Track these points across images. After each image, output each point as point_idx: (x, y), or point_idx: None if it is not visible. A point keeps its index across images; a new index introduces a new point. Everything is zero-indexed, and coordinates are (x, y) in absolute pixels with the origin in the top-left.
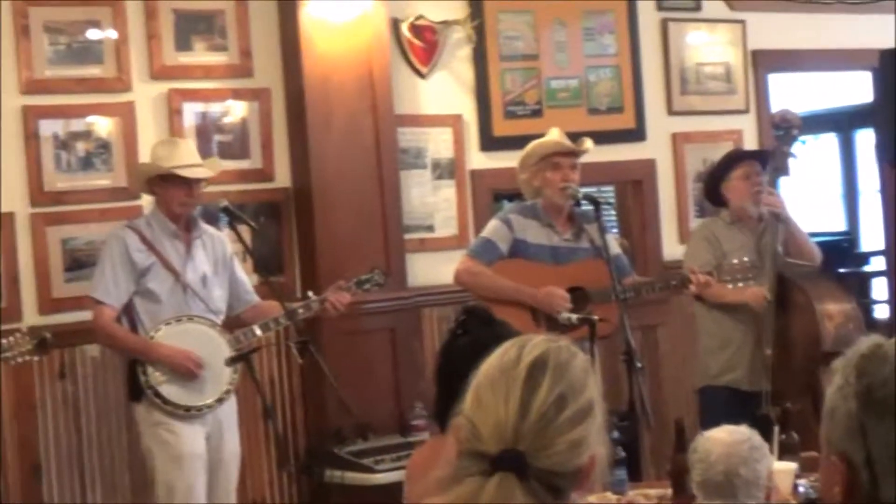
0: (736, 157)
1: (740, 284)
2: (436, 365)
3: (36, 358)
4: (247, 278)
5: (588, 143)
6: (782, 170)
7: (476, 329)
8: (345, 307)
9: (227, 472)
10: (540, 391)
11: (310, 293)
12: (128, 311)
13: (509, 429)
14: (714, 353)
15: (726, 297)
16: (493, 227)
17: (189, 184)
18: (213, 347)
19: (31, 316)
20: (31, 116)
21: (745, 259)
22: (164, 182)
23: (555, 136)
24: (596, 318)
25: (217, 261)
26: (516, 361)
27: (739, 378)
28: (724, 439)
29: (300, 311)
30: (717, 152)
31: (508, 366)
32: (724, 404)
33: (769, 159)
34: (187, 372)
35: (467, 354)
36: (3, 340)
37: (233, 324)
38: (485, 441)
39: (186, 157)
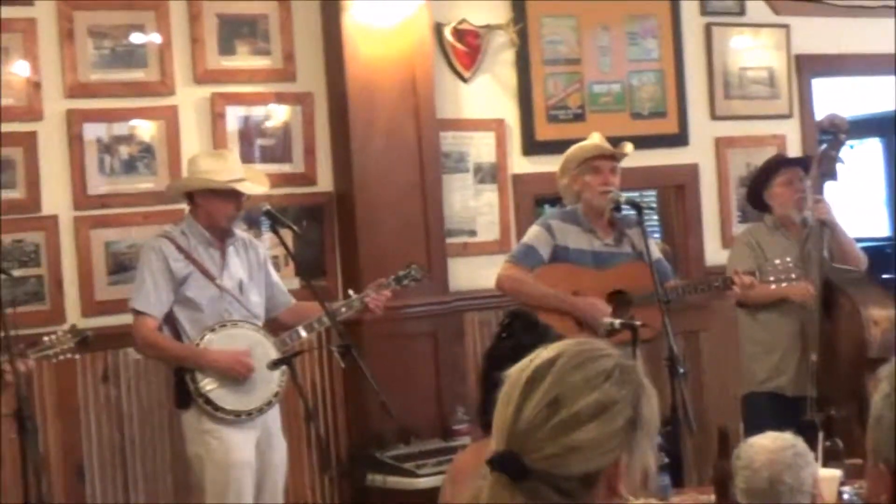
0: (778, 164)
1: (783, 285)
2: (480, 368)
3: (77, 356)
4: (281, 281)
5: (628, 147)
6: (829, 175)
7: (520, 333)
8: (386, 304)
9: (275, 478)
10: (535, 395)
11: (350, 291)
12: (169, 320)
13: (505, 431)
14: (758, 360)
15: (770, 294)
16: (533, 232)
17: (238, 198)
18: (260, 350)
19: (74, 318)
20: (75, 120)
21: (788, 259)
22: (213, 196)
23: (594, 140)
24: (638, 323)
25: (252, 266)
26: (527, 365)
27: (784, 384)
28: (768, 446)
29: (342, 309)
30: (761, 157)
31: (520, 369)
32: (768, 411)
33: (813, 165)
34: (238, 375)
35: (510, 358)
36: (45, 338)
37: (272, 327)
38: (495, 441)
39: (237, 171)
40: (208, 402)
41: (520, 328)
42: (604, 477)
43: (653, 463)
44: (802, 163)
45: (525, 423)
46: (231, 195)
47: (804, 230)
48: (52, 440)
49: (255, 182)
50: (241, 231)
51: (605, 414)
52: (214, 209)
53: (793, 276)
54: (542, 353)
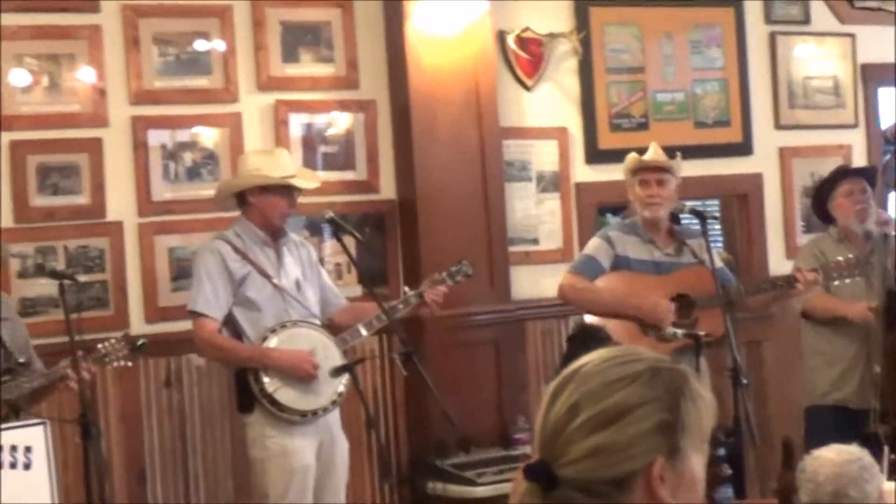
0: (841, 174)
1: (847, 281)
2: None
3: (129, 363)
4: (331, 282)
5: (656, 152)
6: (893, 185)
7: (584, 346)
8: (448, 312)
9: (337, 479)
10: (558, 402)
11: (405, 289)
12: (229, 322)
13: (537, 441)
14: (821, 372)
15: (829, 309)
16: (594, 244)
17: (291, 194)
18: (322, 350)
19: (137, 324)
20: (139, 127)
21: (850, 255)
22: (266, 192)
23: (650, 151)
24: (701, 333)
25: (305, 265)
26: (559, 375)
27: (847, 396)
28: (833, 459)
29: (399, 307)
30: (826, 167)
31: (553, 381)
32: (831, 424)
33: (878, 176)
34: (304, 374)
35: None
36: (99, 346)
37: (328, 329)
38: (533, 453)
39: (288, 167)
40: (273, 402)
41: (587, 341)
42: (640, 481)
43: (699, 469)
44: (866, 173)
45: (549, 430)
46: (284, 191)
47: (867, 242)
48: (115, 444)
49: (305, 178)
50: (292, 233)
51: (628, 416)
52: (268, 206)
53: (855, 272)
54: (573, 365)
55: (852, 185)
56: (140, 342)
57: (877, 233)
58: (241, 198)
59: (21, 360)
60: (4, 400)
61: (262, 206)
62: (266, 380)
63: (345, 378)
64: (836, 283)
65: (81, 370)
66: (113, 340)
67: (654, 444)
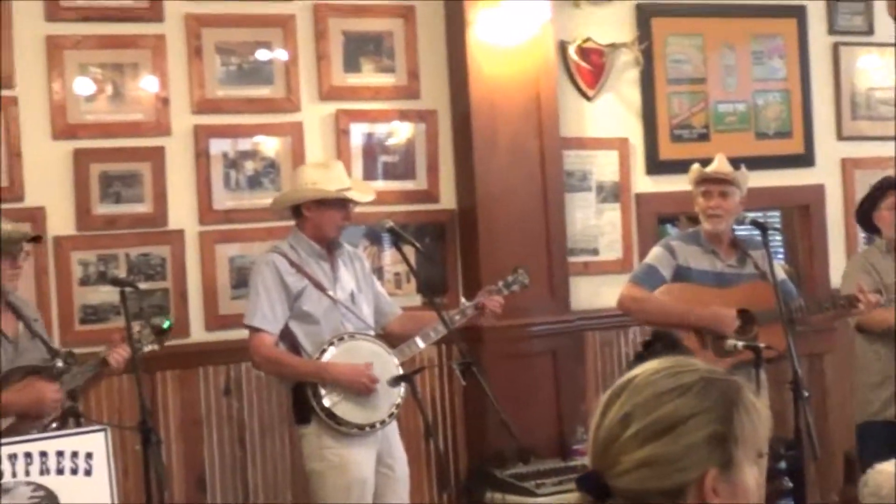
0: (885, 186)
1: None
2: None
3: (156, 347)
4: (385, 291)
5: (721, 163)
6: None
7: (659, 355)
8: (507, 322)
9: (399, 491)
10: (610, 412)
11: (462, 299)
12: (286, 335)
13: (589, 451)
14: (874, 389)
15: (887, 319)
16: (655, 253)
17: (346, 207)
18: (379, 363)
19: (197, 332)
20: (201, 135)
21: None
22: (321, 206)
23: (714, 163)
24: (762, 345)
25: (359, 277)
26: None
27: None
28: None
29: (456, 317)
30: None
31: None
32: (885, 440)
33: None
34: (363, 388)
35: None
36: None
37: (383, 338)
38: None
39: (343, 180)
40: (332, 416)
41: (661, 349)
42: (692, 492)
43: (753, 481)
44: None
45: (601, 441)
46: (339, 204)
47: None
48: (174, 452)
49: (361, 191)
50: (345, 244)
51: (680, 427)
52: (323, 219)
53: None
54: (626, 375)
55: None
56: (165, 325)
57: None
58: (297, 210)
59: (68, 351)
60: (69, 390)
61: (318, 220)
62: (324, 394)
63: (402, 390)
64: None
65: (113, 354)
66: (138, 328)
67: (706, 456)
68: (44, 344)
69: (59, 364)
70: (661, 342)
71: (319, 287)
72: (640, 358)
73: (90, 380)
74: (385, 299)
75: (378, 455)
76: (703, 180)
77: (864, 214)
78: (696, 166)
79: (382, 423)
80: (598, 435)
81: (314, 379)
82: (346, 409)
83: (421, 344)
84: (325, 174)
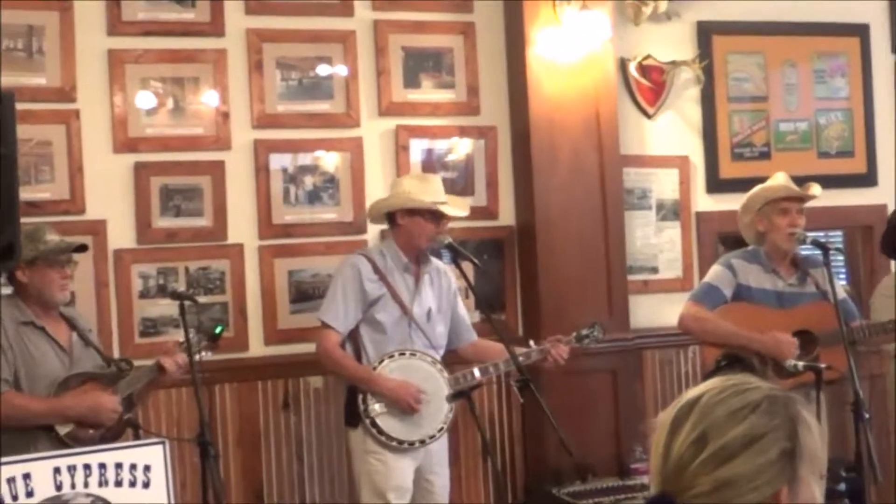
0: None
1: None
2: None
3: (210, 353)
4: (468, 315)
5: (816, 188)
6: None
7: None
8: (564, 360)
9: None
10: (680, 434)
11: (531, 342)
12: (353, 337)
13: (657, 476)
14: None
15: None
16: (715, 272)
17: (439, 220)
18: (432, 384)
19: (256, 346)
20: (261, 150)
21: None
22: (416, 216)
23: (780, 180)
24: (823, 366)
25: (442, 296)
26: (674, 405)
27: None
28: None
29: (520, 359)
30: None
31: (668, 410)
32: None
33: None
34: (407, 407)
35: None
36: (181, 341)
37: (449, 359)
38: (651, 486)
39: (440, 194)
40: (374, 424)
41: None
42: None
43: (819, 495)
44: None
45: (674, 463)
46: (433, 216)
47: None
48: (232, 466)
49: (456, 206)
50: (437, 260)
51: (755, 445)
52: (416, 229)
53: None
54: (687, 395)
55: None
56: (217, 329)
57: None
58: (391, 218)
59: (124, 358)
60: (126, 396)
61: (410, 228)
62: (372, 403)
63: (449, 415)
64: None
65: (175, 359)
66: (192, 336)
67: (778, 473)
68: (97, 352)
69: (114, 370)
70: (736, 365)
71: (396, 299)
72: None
73: (146, 386)
74: (465, 324)
75: (418, 469)
76: (783, 198)
77: (890, 241)
78: (781, 182)
79: (423, 442)
80: (667, 456)
81: (364, 386)
82: (389, 423)
83: (477, 374)
84: (421, 185)
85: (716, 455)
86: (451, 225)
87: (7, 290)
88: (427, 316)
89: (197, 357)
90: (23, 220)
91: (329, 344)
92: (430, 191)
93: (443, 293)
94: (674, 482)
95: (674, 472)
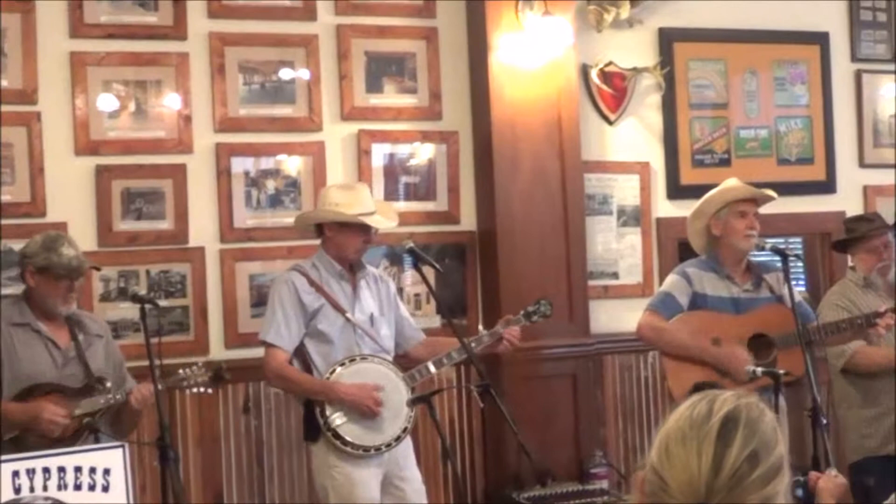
0: (877, 227)
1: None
2: None
3: (210, 390)
4: (410, 316)
5: (771, 191)
6: None
7: None
8: (525, 345)
9: None
10: (733, 447)
11: (481, 328)
12: (299, 353)
13: (702, 484)
14: (871, 425)
15: (889, 359)
16: (671, 281)
17: (367, 231)
18: (389, 386)
19: (217, 349)
20: (223, 154)
21: None
22: (342, 228)
23: (735, 184)
24: (781, 371)
25: (382, 300)
26: (707, 416)
27: None
28: None
29: (472, 345)
30: None
31: (699, 420)
32: (891, 474)
33: None
34: (367, 410)
35: None
36: (181, 371)
37: (403, 363)
38: (674, 495)
39: (367, 204)
40: (336, 436)
41: None
42: None
43: None
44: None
45: (728, 477)
46: (360, 228)
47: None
48: (192, 469)
49: (384, 216)
50: (371, 266)
51: (785, 466)
52: (343, 242)
53: None
54: (710, 404)
55: (879, 242)
56: (224, 374)
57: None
58: (321, 229)
59: (100, 377)
60: (77, 415)
61: (338, 241)
62: (330, 413)
63: (410, 415)
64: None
65: (142, 390)
66: (196, 367)
67: (788, 496)
68: (84, 366)
69: (86, 386)
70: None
71: (337, 307)
72: None
73: (118, 415)
74: (408, 324)
75: (385, 476)
76: (743, 200)
77: (842, 246)
78: (738, 183)
79: (388, 446)
80: (719, 470)
81: (321, 397)
82: (351, 431)
83: (433, 369)
84: (348, 196)
85: (767, 472)
86: (413, 229)
87: (14, 290)
88: (370, 321)
89: (195, 390)
90: None
91: (276, 363)
92: (357, 202)
93: (382, 297)
94: (724, 497)
95: (727, 486)
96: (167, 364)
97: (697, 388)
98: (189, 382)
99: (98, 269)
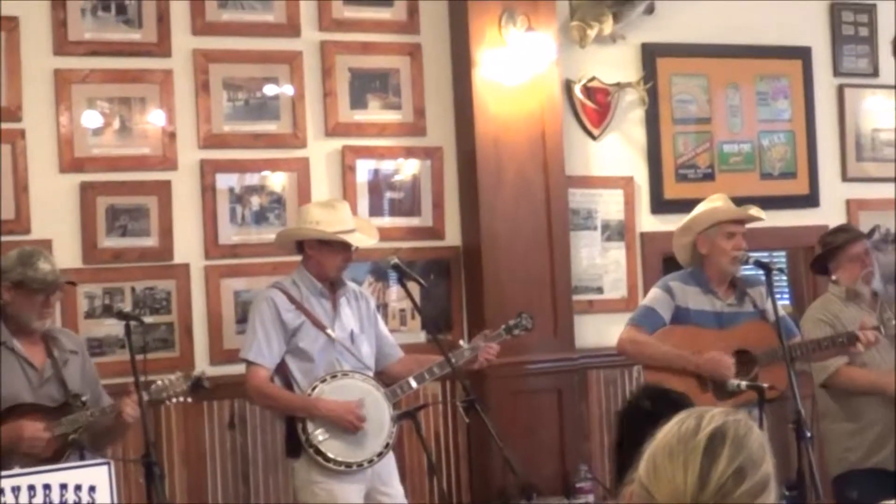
0: (851, 237)
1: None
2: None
3: (189, 399)
4: (390, 334)
5: (757, 210)
6: None
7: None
8: (496, 356)
9: None
10: (719, 462)
11: (462, 342)
12: (281, 370)
13: (687, 498)
14: (854, 438)
15: (873, 383)
16: (654, 295)
17: (347, 249)
18: (371, 401)
19: (202, 365)
20: (208, 170)
21: None
22: (322, 246)
23: (721, 201)
24: (765, 385)
25: (363, 317)
26: (695, 431)
27: (886, 459)
28: None
29: (452, 360)
30: (893, 220)
31: (687, 435)
32: (873, 487)
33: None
34: (349, 426)
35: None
36: (158, 381)
37: (382, 380)
38: None
39: (347, 222)
40: (318, 452)
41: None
42: None
43: None
44: (870, 235)
45: (714, 492)
46: (339, 246)
47: (876, 300)
48: (178, 485)
49: (364, 233)
50: (351, 283)
51: (771, 483)
52: (323, 259)
53: None
54: (698, 420)
55: (859, 249)
56: (204, 383)
57: (881, 290)
58: (301, 247)
59: (76, 394)
60: (58, 434)
61: (319, 259)
62: (312, 430)
63: (393, 431)
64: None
65: (130, 404)
66: (174, 377)
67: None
68: (61, 384)
69: (64, 404)
70: (670, 401)
71: (317, 325)
72: (649, 415)
73: (106, 431)
74: (388, 341)
75: (368, 492)
76: (733, 220)
77: (821, 261)
78: (723, 205)
79: (370, 462)
80: (704, 485)
81: (303, 413)
82: (333, 447)
83: (414, 384)
84: (329, 214)
85: (753, 488)
86: (397, 245)
87: None
88: (350, 337)
89: (174, 401)
90: None
91: (258, 380)
92: (337, 220)
93: (363, 314)
94: None
95: (713, 501)
96: (152, 381)
97: (648, 396)
98: (169, 393)
99: (74, 285)
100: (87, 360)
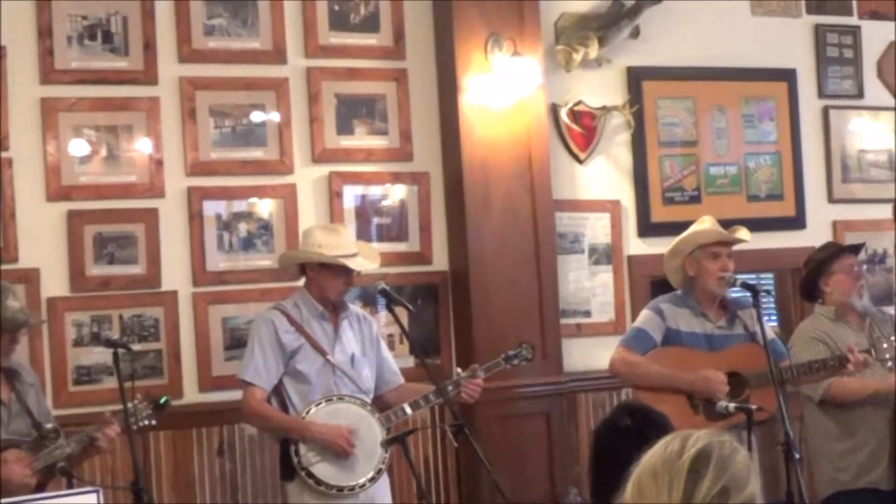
0: (836, 252)
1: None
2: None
3: (154, 422)
4: (392, 359)
5: (744, 232)
6: None
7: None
8: (479, 394)
9: None
10: (703, 483)
11: (458, 370)
12: (278, 391)
13: None
14: (846, 457)
15: (866, 387)
16: (644, 316)
17: (348, 273)
18: (364, 426)
19: (191, 393)
20: (195, 197)
21: (893, 339)
22: (324, 269)
23: (708, 224)
24: (754, 407)
25: (365, 341)
26: (679, 453)
27: (879, 477)
28: None
29: (449, 388)
30: (881, 241)
31: (672, 457)
32: None
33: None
34: (340, 450)
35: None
36: (130, 405)
37: (378, 405)
38: None
39: (349, 246)
40: (310, 475)
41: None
42: None
43: None
44: (857, 250)
45: None
46: (341, 270)
47: (865, 317)
48: None
49: (366, 258)
50: (355, 306)
51: (758, 501)
52: (325, 283)
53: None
54: (683, 442)
55: (851, 262)
56: (162, 400)
57: (868, 307)
58: (303, 269)
59: (48, 426)
60: (37, 470)
61: (320, 282)
62: (305, 453)
63: (385, 456)
64: (890, 364)
65: (107, 432)
66: (137, 402)
67: None
68: (28, 416)
69: (38, 437)
70: (642, 420)
71: (317, 348)
72: (627, 432)
73: (78, 455)
74: (389, 367)
75: None
76: (716, 243)
77: (811, 280)
78: (709, 227)
79: (362, 486)
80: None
81: (295, 435)
82: (325, 471)
83: (409, 410)
84: (331, 238)
85: None
86: (385, 270)
87: None
88: (351, 361)
89: (140, 424)
90: None
91: (254, 401)
92: (339, 244)
93: (365, 338)
94: None
95: None
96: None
97: (628, 412)
98: (137, 417)
99: (43, 322)
100: (39, 393)
